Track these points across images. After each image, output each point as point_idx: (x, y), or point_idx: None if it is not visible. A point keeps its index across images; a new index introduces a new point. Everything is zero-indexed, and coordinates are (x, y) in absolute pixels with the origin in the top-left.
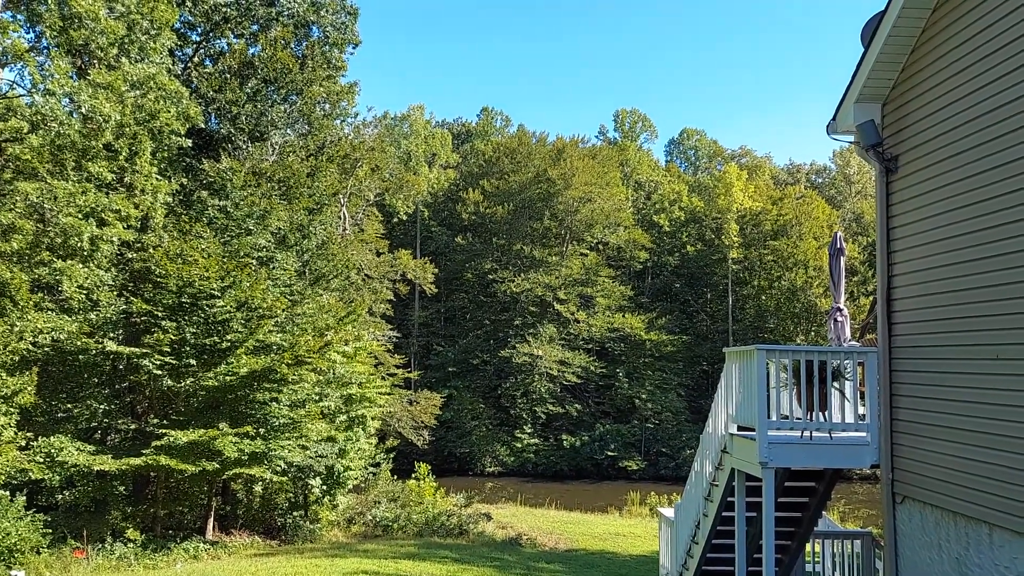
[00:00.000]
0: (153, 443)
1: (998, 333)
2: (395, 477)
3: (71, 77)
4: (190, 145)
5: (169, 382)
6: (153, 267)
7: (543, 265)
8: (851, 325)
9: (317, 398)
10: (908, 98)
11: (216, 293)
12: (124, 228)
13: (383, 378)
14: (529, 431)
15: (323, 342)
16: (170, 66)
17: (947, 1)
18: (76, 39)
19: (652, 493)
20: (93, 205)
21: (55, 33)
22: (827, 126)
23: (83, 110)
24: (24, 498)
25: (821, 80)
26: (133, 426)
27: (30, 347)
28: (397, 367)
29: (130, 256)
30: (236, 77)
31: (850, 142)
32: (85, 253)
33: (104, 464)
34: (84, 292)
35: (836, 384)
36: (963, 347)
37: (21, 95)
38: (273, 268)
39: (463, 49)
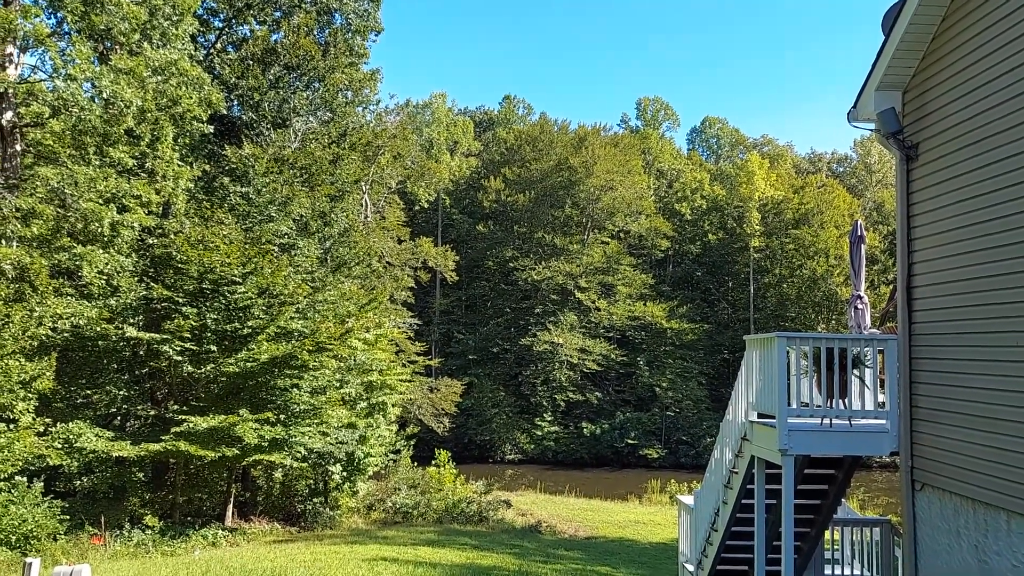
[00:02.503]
0: (172, 429)
1: (1017, 320)
2: (415, 464)
3: (92, 62)
4: (212, 131)
5: (189, 368)
6: (174, 253)
7: (564, 253)
8: (871, 313)
9: (338, 385)
10: (929, 85)
11: (237, 279)
12: (145, 214)
13: (404, 365)
14: (549, 419)
15: (344, 329)
16: (192, 52)
17: None
18: (98, 24)
19: (672, 481)
20: (114, 191)
21: (77, 18)
22: (848, 113)
23: (104, 95)
24: (42, 484)
25: (843, 68)
26: (152, 412)
27: (49, 332)
28: (418, 354)
29: (151, 242)
30: (258, 64)
31: (870, 130)
32: (105, 239)
33: (123, 450)
34: (104, 278)
35: (856, 371)
36: (983, 334)
37: (43, 80)
38: (295, 255)
39: (485, 37)
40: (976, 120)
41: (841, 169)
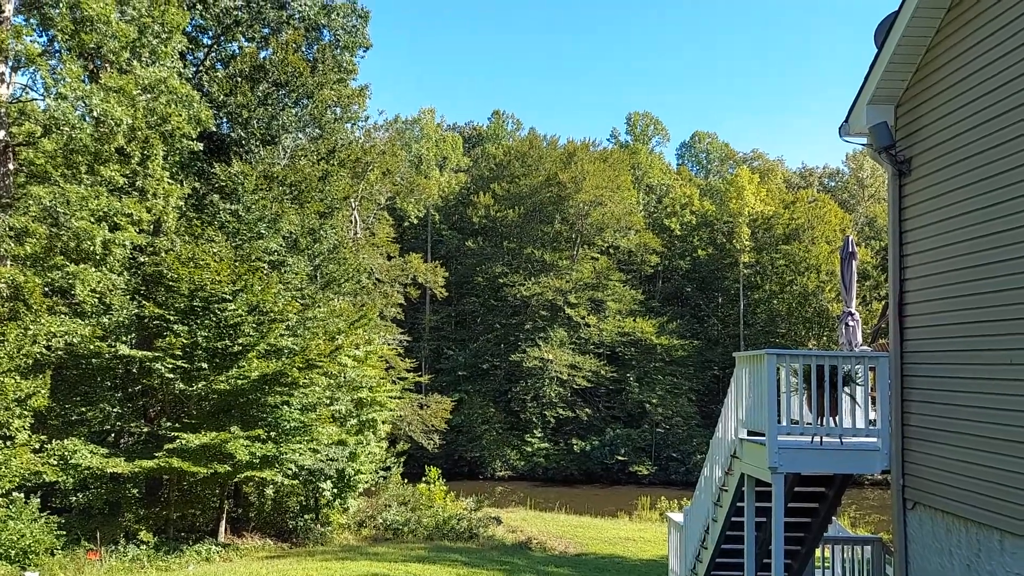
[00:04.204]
0: (165, 446)
1: (1012, 338)
2: (405, 481)
3: (83, 81)
4: (201, 149)
5: (181, 385)
6: (165, 271)
7: (554, 269)
8: (863, 330)
9: (328, 402)
10: (922, 99)
11: (228, 297)
12: (136, 232)
13: (394, 382)
14: (539, 435)
15: (334, 346)
16: (181, 70)
17: (962, 1)
18: (88, 43)
19: (662, 498)
20: (105, 209)
21: (67, 37)
22: (839, 128)
23: (95, 114)
24: (38, 500)
25: (834, 82)
26: (146, 429)
27: (43, 350)
28: (408, 371)
29: (142, 260)
30: (247, 81)
31: (863, 144)
32: (98, 257)
33: (117, 467)
34: (97, 296)
35: (847, 389)
36: (976, 352)
37: (34, 99)
38: (284, 272)
39: (474, 52)
40: (970, 135)
41: (832, 184)
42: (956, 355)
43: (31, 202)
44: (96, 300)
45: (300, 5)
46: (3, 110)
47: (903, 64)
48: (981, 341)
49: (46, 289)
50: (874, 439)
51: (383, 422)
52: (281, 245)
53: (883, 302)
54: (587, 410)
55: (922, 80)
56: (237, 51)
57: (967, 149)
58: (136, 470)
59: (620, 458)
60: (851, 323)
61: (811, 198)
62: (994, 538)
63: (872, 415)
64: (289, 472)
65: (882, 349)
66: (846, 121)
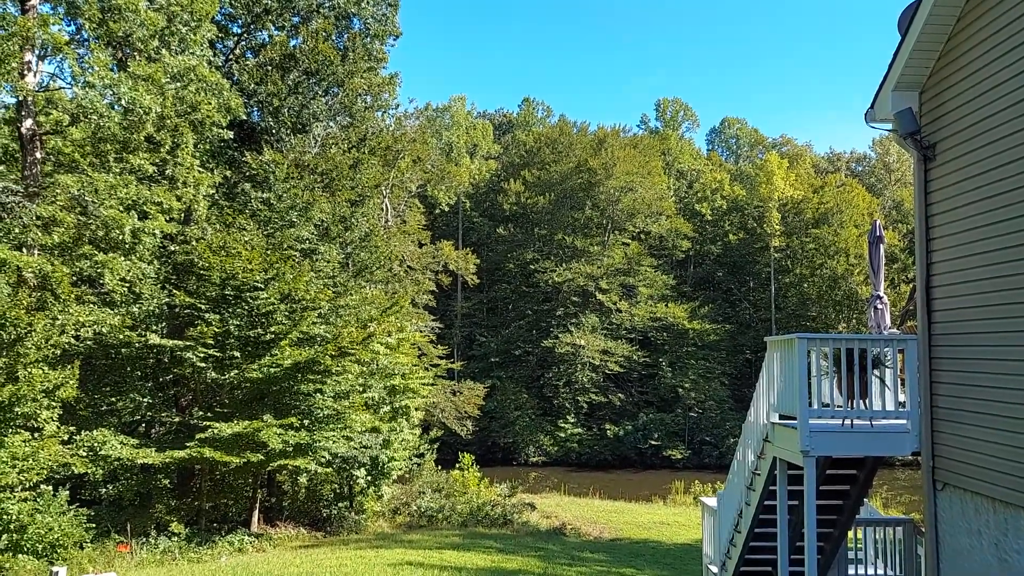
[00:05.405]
0: (197, 435)
1: None
2: (439, 467)
3: (111, 69)
4: (232, 137)
5: (213, 374)
6: (196, 259)
7: (585, 255)
8: (891, 312)
9: (361, 389)
10: (946, 85)
11: (259, 285)
12: (166, 221)
13: (426, 369)
14: (572, 420)
15: (366, 333)
16: (211, 58)
17: None
18: (116, 31)
19: (696, 482)
20: (135, 198)
21: (95, 25)
22: (865, 114)
23: (123, 102)
24: (67, 493)
25: (862, 68)
26: (177, 419)
27: (72, 341)
28: (440, 358)
29: (173, 249)
30: (277, 69)
31: (888, 130)
32: (127, 246)
33: (148, 457)
34: (126, 285)
35: (876, 372)
36: (1003, 334)
37: (62, 88)
38: (316, 260)
39: (504, 39)
40: (993, 120)
41: (860, 168)
42: (983, 337)
43: (59, 191)
44: (125, 289)
45: None
46: (30, 99)
47: (927, 51)
48: (1008, 323)
49: (74, 278)
50: (903, 421)
51: (416, 409)
52: (312, 233)
53: (911, 285)
54: (620, 395)
55: (946, 66)
56: (267, 40)
57: (991, 134)
58: (167, 460)
59: (653, 443)
60: (879, 306)
61: (839, 183)
62: (1021, 517)
63: (901, 397)
64: (323, 460)
65: (910, 331)
66: (871, 107)
